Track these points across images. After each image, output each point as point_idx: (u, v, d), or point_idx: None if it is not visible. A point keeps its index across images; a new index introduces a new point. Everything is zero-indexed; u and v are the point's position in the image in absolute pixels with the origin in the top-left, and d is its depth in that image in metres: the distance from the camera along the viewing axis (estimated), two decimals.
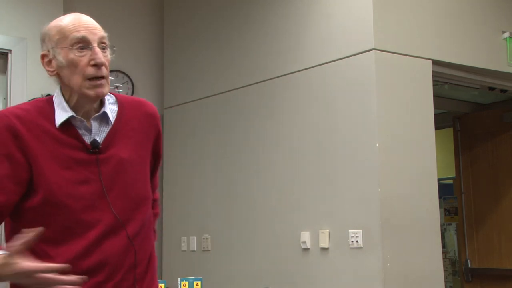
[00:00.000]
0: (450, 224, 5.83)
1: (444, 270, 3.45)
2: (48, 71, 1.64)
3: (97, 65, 1.57)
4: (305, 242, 3.43)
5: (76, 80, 1.57)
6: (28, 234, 1.34)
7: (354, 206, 3.21)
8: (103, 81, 1.58)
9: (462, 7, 3.67)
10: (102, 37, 1.63)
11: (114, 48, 1.66)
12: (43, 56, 1.65)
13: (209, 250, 4.06)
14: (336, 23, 3.43)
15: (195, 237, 4.16)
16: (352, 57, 3.30)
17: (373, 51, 3.20)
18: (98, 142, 1.59)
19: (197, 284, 3.17)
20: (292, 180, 3.59)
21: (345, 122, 3.31)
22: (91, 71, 1.57)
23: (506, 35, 3.80)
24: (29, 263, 1.34)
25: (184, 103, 4.42)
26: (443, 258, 3.37)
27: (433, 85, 3.45)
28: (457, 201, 5.02)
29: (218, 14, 4.30)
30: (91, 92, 1.57)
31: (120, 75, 4.67)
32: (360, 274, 3.14)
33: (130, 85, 4.69)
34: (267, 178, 3.74)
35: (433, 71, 3.43)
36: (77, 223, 1.54)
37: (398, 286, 3.09)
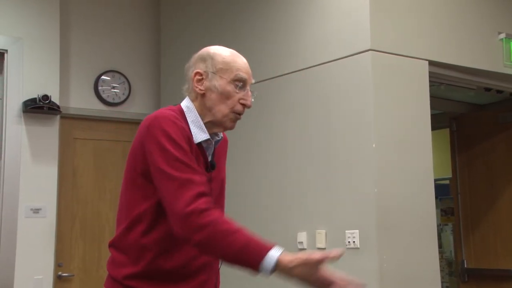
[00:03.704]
0: (447, 225, 5.84)
1: (440, 270, 3.45)
2: (196, 87, 1.78)
3: (246, 106, 1.79)
4: (302, 242, 3.43)
5: (222, 109, 1.76)
6: (328, 256, 1.53)
7: (350, 207, 3.21)
8: (240, 118, 1.81)
9: (459, 8, 3.68)
10: (251, 83, 1.83)
11: (255, 94, 1.84)
12: (197, 73, 1.79)
13: None
14: (333, 24, 3.43)
15: None
16: (349, 57, 3.30)
17: (370, 51, 3.20)
18: (215, 163, 1.80)
19: None
20: (289, 180, 3.59)
21: (342, 122, 3.31)
22: (239, 108, 1.78)
23: (502, 36, 3.81)
24: (326, 272, 1.53)
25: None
26: (439, 259, 3.37)
27: (430, 85, 3.46)
28: (453, 201, 5.02)
29: (215, 15, 4.30)
30: (229, 124, 1.79)
31: (117, 75, 4.66)
32: (356, 274, 3.12)
33: (126, 85, 4.68)
34: (264, 179, 3.74)
35: (429, 72, 3.44)
36: None
37: (394, 286, 3.09)
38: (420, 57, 3.40)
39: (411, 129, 3.31)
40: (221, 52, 1.80)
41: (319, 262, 1.52)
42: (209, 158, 1.80)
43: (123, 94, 4.67)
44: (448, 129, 5.00)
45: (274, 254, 1.53)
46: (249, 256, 1.54)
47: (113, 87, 4.65)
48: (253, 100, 1.82)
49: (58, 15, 4.29)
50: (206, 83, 1.76)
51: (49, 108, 4.07)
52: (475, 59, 3.68)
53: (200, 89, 1.77)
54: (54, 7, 4.28)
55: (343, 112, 3.31)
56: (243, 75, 1.77)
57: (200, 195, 1.59)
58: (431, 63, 3.45)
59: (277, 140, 3.71)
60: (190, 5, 4.57)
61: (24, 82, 4.08)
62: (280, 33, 3.77)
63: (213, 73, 1.76)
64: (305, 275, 1.52)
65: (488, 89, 4.07)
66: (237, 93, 1.76)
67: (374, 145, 3.13)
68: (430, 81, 3.46)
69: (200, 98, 1.78)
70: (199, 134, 1.75)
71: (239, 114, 1.79)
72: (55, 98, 4.14)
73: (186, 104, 1.80)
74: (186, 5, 4.61)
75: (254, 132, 3.86)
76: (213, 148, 1.82)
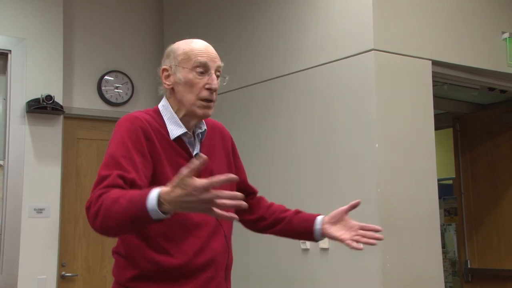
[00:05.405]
0: (450, 225, 5.83)
1: (444, 270, 3.45)
2: (164, 83, 1.82)
3: (211, 90, 1.77)
4: (305, 242, 3.43)
5: (189, 98, 1.77)
6: (195, 162, 1.38)
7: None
8: (211, 104, 1.79)
9: (462, 7, 3.67)
10: (219, 66, 1.81)
11: (227, 78, 1.84)
12: (163, 70, 1.82)
13: None
14: (336, 24, 3.43)
15: None
16: (352, 57, 3.30)
17: (373, 51, 3.20)
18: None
19: None
20: (291, 180, 3.59)
21: (344, 122, 3.31)
22: (205, 93, 1.77)
23: (506, 35, 3.80)
24: (201, 180, 1.36)
25: None
26: (443, 259, 3.36)
27: (433, 85, 3.45)
28: (456, 201, 5.02)
29: (218, 15, 4.30)
30: (200, 111, 1.78)
31: (120, 75, 4.67)
32: (360, 274, 3.14)
33: (130, 86, 4.69)
34: (266, 179, 3.74)
35: (433, 72, 3.43)
36: (189, 222, 1.73)
37: (398, 286, 3.08)
38: (423, 57, 3.40)
39: (414, 129, 3.31)
40: (181, 44, 1.82)
41: (191, 173, 1.38)
42: (195, 151, 1.82)
43: (126, 94, 4.68)
44: (451, 129, 4.99)
45: (154, 192, 1.44)
46: (135, 207, 1.46)
47: (116, 87, 4.65)
48: (225, 83, 1.82)
49: (61, 16, 4.30)
50: (172, 77, 1.79)
51: (53, 108, 4.08)
52: (479, 59, 3.68)
53: (168, 84, 1.80)
54: (57, 8, 4.29)
55: (346, 111, 3.31)
56: (201, 59, 1.76)
57: (103, 187, 1.56)
58: (434, 62, 3.45)
59: (280, 140, 3.71)
60: (193, 5, 4.57)
61: (28, 82, 4.09)
62: (283, 33, 3.77)
63: (176, 66, 1.78)
64: (183, 193, 1.38)
65: (491, 89, 4.06)
66: (200, 79, 1.76)
67: (377, 145, 3.13)
68: (433, 81, 3.46)
69: (172, 94, 1.81)
70: (175, 130, 1.79)
71: (208, 100, 1.78)
72: (59, 99, 4.14)
73: (162, 103, 1.85)
74: (189, 5, 4.62)
75: (257, 131, 3.86)
76: (199, 141, 1.84)
